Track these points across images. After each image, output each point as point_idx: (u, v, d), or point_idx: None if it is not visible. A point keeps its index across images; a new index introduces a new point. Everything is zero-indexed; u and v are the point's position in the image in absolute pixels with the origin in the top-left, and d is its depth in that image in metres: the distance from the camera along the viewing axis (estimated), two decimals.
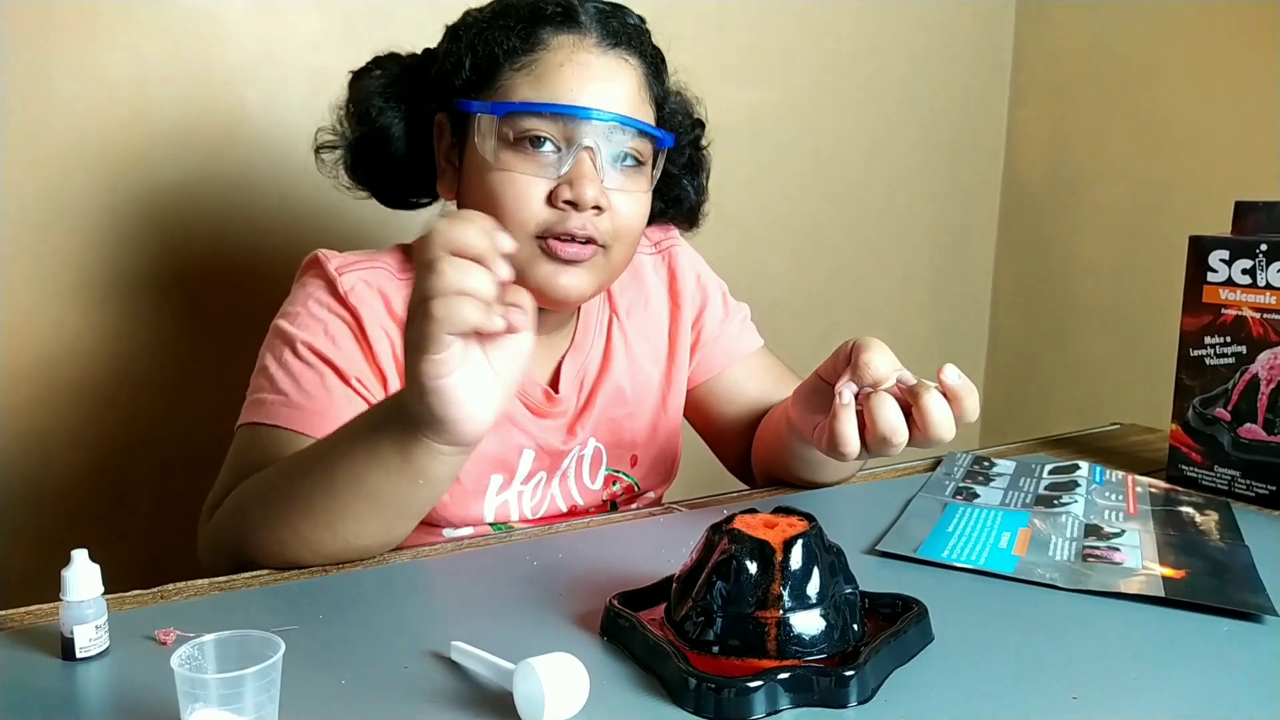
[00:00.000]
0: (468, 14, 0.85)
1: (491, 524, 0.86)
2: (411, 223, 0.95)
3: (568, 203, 0.77)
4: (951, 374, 0.71)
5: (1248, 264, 0.84)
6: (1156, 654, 0.57)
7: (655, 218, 0.95)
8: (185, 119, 1.12)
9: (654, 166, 0.84)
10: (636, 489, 0.94)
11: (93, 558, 0.56)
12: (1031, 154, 1.86)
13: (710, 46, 1.51)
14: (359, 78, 0.87)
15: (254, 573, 0.69)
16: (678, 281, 0.97)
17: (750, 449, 0.96)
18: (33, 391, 1.10)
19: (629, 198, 0.81)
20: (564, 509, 0.89)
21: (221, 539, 0.72)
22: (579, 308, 0.91)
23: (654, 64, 0.85)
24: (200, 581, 0.67)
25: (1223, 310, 0.85)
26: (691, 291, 0.98)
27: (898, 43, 1.71)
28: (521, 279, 0.80)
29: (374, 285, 0.82)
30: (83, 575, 0.55)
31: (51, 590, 0.56)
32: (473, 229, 0.58)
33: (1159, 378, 1.06)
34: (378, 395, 0.80)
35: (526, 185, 0.78)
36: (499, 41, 0.80)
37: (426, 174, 0.87)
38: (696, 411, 0.99)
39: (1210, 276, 0.86)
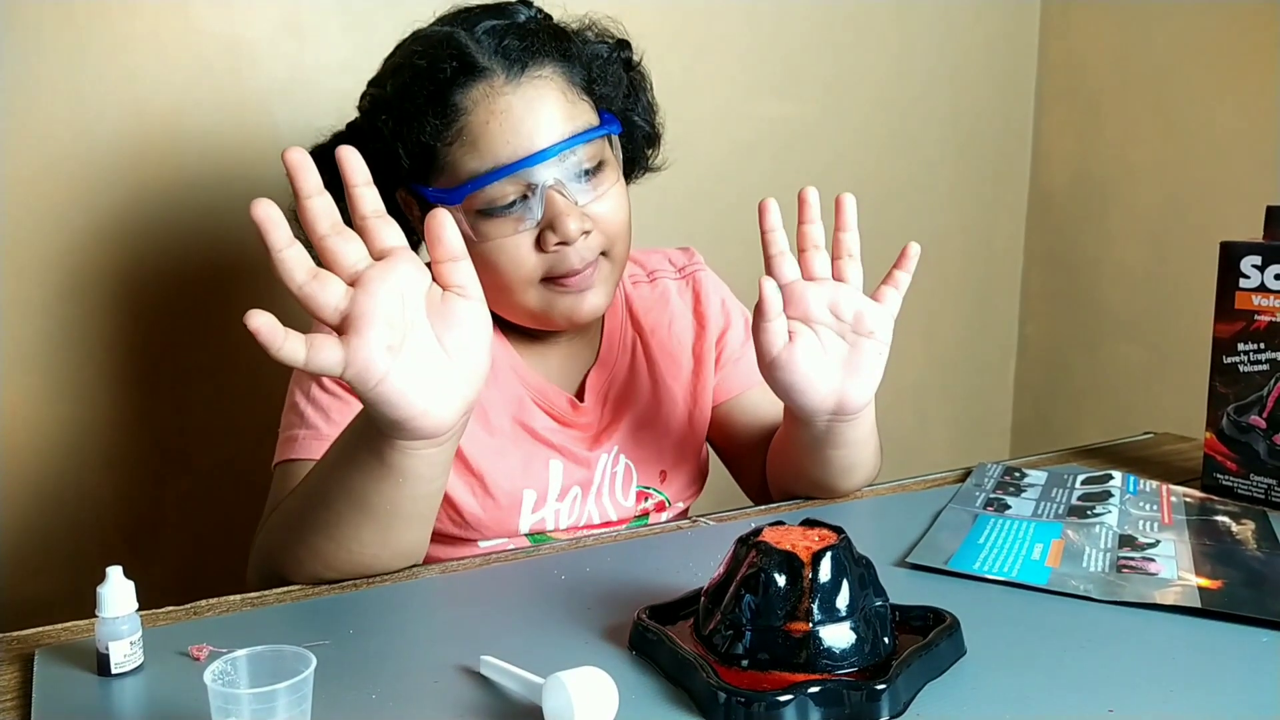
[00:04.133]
0: (372, 93, 0.83)
1: (528, 534, 0.87)
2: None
3: (559, 244, 0.79)
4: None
5: None
6: (1194, 666, 0.56)
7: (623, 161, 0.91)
8: (215, 142, 1.14)
9: (618, 153, 0.85)
10: (667, 504, 0.94)
11: (127, 575, 0.56)
12: (1058, 161, 1.84)
13: (735, 62, 1.51)
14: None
15: (285, 588, 0.69)
16: (702, 303, 0.98)
17: (765, 485, 0.96)
18: (67, 412, 1.11)
19: (605, 200, 0.82)
20: (596, 523, 0.90)
21: (259, 567, 0.75)
22: (602, 319, 0.92)
23: (565, 53, 0.82)
24: (233, 598, 0.68)
25: (1256, 316, 0.84)
26: (716, 314, 0.98)
27: (922, 53, 1.70)
28: (545, 318, 0.83)
29: None
30: (118, 592, 0.56)
31: (88, 607, 0.57)
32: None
33: (1192, 385, 1.04)
34: None
35: (514, 247, 0.79)
36: (420, 128, 0.78)
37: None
38: (716, 432, 0.99)
39: (1242, 282, 0.85)
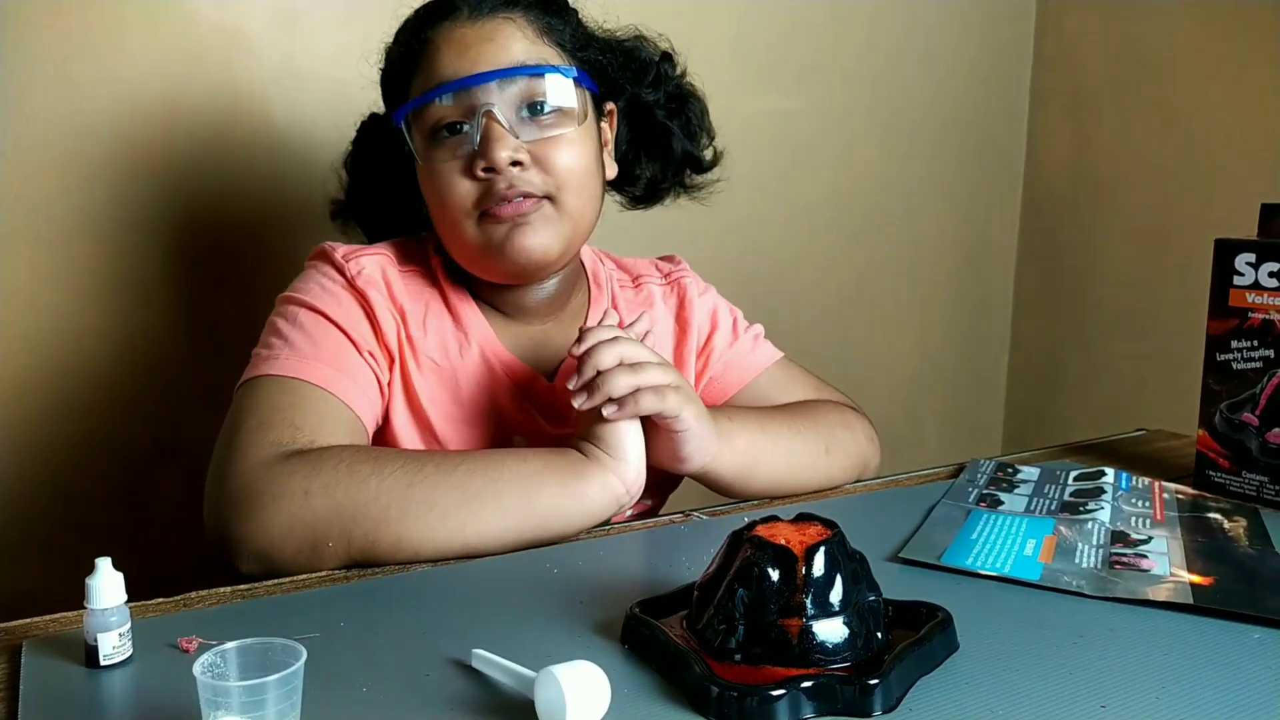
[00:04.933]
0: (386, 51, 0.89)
1: None
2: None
3: (486, 170, 0.79)
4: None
5: (1274, 267, 0.83)
6: (1186, 662, 0.56)
7: (655, 175, 0.97)
8: (208, 132, 1.14)
9: (586, 105, 0.84)
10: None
11: (116, 566, 0.56)
12: (1052, 159, 1.84)
13: (730, 57, 1.51)
14: (355, 157, 0.95)
15: (276, 580, 0.69)
16: (686, 309, 0.98)
17: None
18: (57, 401, 1.11)
19: (555, 144, 0.81)
20: None
21: (309, 508, 0.68)
22: (585, 320, 0.92)
23: (546, 9, 0.85)
24: (223, 589, 0.67)
25: (1250, 314, 0.84)
26: (700, 320, 0.98)
27: (916, 50, 1.70)
28: (482, 258, 0.83)
29: (379, 269, 0.85)
30: (106, 583, 0.55)
31: (76, 599, 0.57)
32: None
33: (1185, 383, 1.04)
34: (385, 374, 0.83)
35: (449, 171, 0.81)
36: (397, 59, 0.85)
37: (409, 202, 0.90)
38: None
39: (1236, 280, 0.85)
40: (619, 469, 0.75)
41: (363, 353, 0.81)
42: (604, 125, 0.90)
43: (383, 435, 0.85)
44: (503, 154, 0.78)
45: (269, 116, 1.16)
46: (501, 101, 0.79)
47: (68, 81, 1.06)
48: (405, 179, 0.87)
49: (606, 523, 0.89)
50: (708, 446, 0.80)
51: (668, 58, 0.95)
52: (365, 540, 0.69)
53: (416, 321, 0.85)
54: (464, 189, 0.80)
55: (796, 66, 1.58)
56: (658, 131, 0.95)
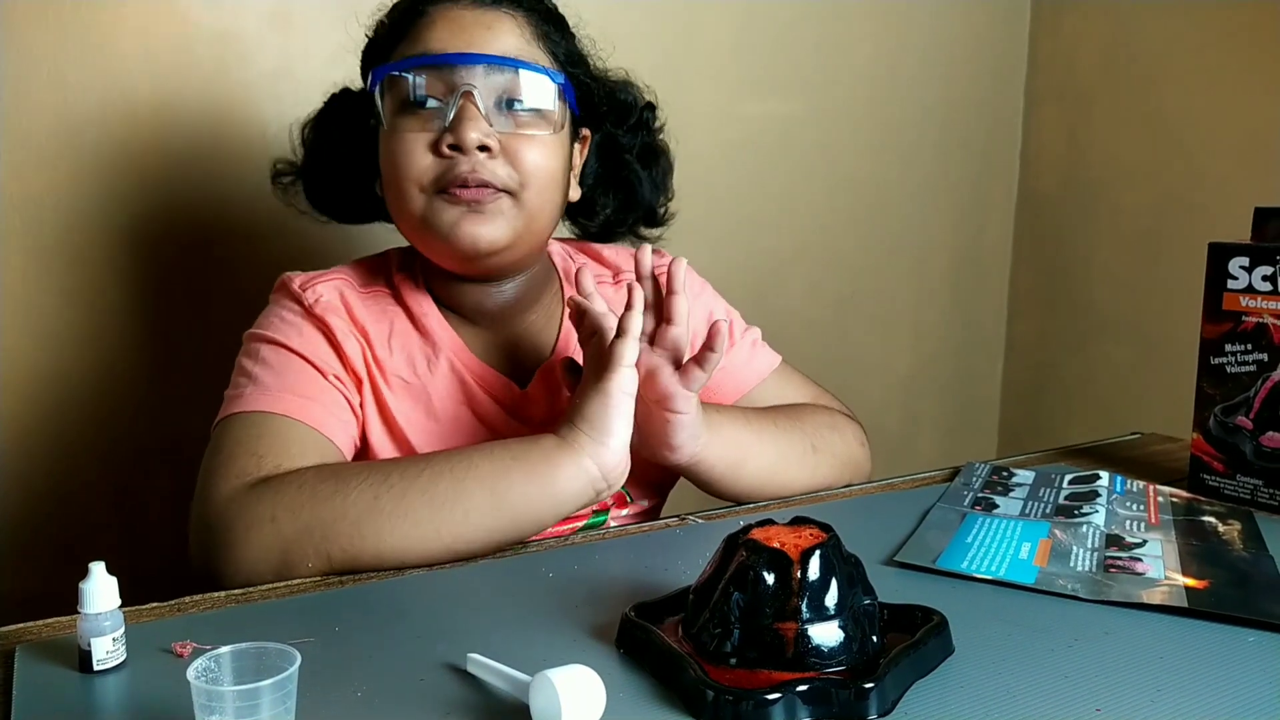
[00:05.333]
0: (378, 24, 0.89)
1: None
2: None
3: (452, 147, 0.78)
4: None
5: (1268, 271, 0.83)
6: (1181, 665, 0.56)
7: (612, 215, 0.97)
8: (203, 134, 1.13)
9: (564, 113, 0.84)
10: (629, 498, 0.92)
11: (110, 570, 0.56)
12: (1047, 162, 1.85)
13: (722, 60, 1.51)
14: (317, 115, 0.93)
15: (270, 585, 0.69)
16: None
17: None
18: (50, 405, 1.11)
19: (527, 142, 0.81)
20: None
21: (277, 532, 0.69)
22: (560, 320, 0.92)
23: (546, 18, 0.85)
24: (217, 594, 0.67)
25: (1243, 318, 0.85)
26: (693, 323, 0.95)
27: (911, 52, 1.70)
28: (429, 234, 0.82)
29: (337, 293, 0.84)
30: (100, 588, 0.55)
31: (70, 603, 0.56)
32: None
33: (1179, 386, 1.05)
34: (354, 395, 0.82)
35: (413, 141, 0.80)
36: (388, 26, 0.84)
37: (363, 184, 0.90)
38: None
39: (1230, 284, 0.85)
40: (598, 453, 0.73)
41: (328, 377, 0.80)
42: (576, 147, 0.90)
43: (362, 458, 0.84)
44: (472, 134, 0.77)
45: (262, 119, 1.16)
46: (483, 87, 0.79)
47: (62, 83, 1.06)
48: (366, 153, 0.87)
49: (599, 525, 0.89)
50: (699, 434, 0.80)
51: (651, 108, 0.96)
52: (344, 555, 0.69)
53: (381, 341, 0.85)
54: (424, 162, 0.79)
55: (793, 70, 1.58)
56: (626, 176, 0.95)
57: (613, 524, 0.90)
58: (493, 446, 0.74)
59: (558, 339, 0.92)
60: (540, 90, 0.82)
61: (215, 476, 0.74)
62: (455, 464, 0.72)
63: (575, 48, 0.88)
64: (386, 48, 0.84)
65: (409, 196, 0.80)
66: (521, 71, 0.80)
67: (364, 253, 0.94)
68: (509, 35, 0.81)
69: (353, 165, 0.89)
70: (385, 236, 0.95)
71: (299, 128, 0.94)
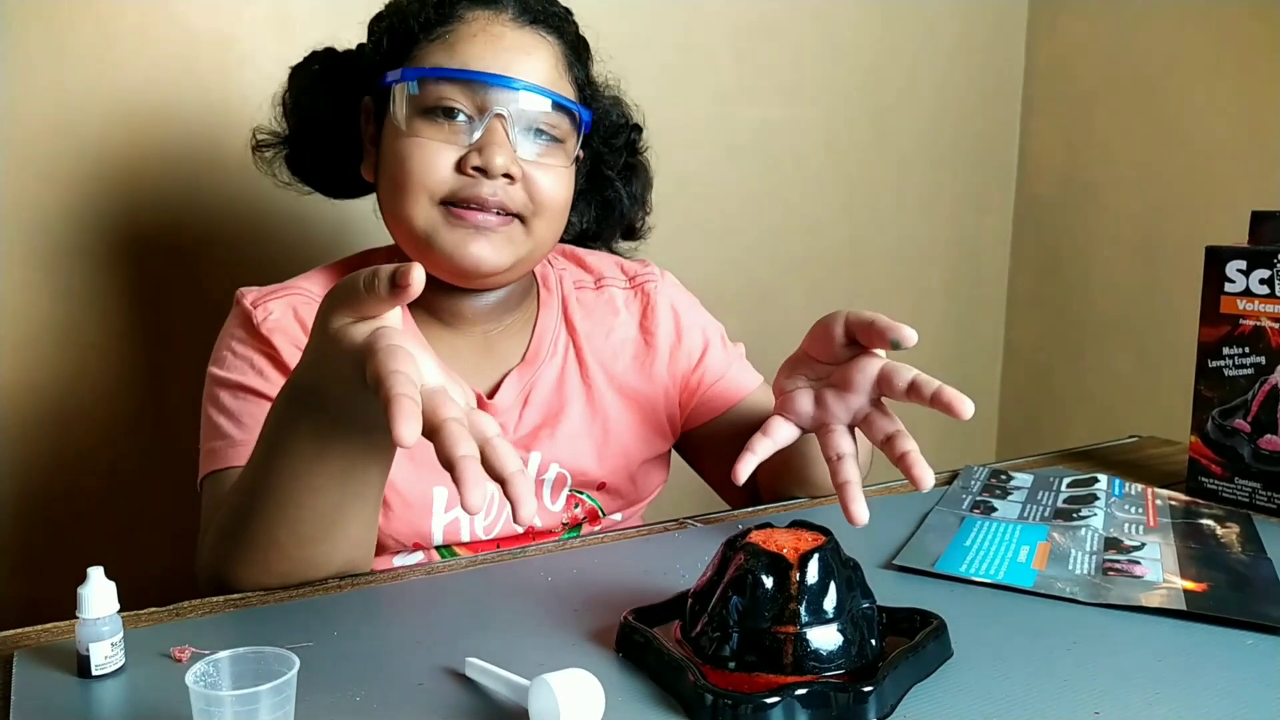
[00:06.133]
0: (391, 2, 0.86)
1: (439, 547, 0.84)
2: None
3: (477, 169, 0.78)
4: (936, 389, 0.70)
5: (1265, 274, 0.83)
6: (1179, 668, 0.56)
7: (589, 227, 0.96)
8: (203, 139, 1.13)
9: (577, 145, 0.84)
10: (601, 513, 0.91)
11: (108, 575, 0.56)
12: (1045, 166, 1.85)
13: (719, 65, 1.51)
14: (296, 73, 0.89)
15: (268, 590, 0.68)
16: (650, 317, 0.95)
17: (755, 487, 0.94)
18: (49, 410, 1.11)
19: (546, 172, 0.81)
20: (519, 530, 0.86)
21: (214, 576, 0.70)
22: (534, 326, 0.90)
23: (575, 47, 0.85)
24: (215, 599, 0.67)
25: (1241, 321, 0.85)
26: (667, 331, 0.95)
27: (908, 56, 1.71)
28: (428, 248, 0.80)
29: (290, 309, 0.83)
30: (99, 593, 0.55)
31: (68, 608, 0.56)
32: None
33: (1177, 389, 1.05)
34: None
35: (435, 150, 0.78)
36: (415, 15, 0.81)
37: (358, 161, 0.88)
38: (698, 454, 0.98)
39: (1228, 287, 0.85)
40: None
41: None
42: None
43: None
44: (499, 160, 0.77)
45: (261, 123, 1.15)
46: (515, 112, 0.78)
47: (61, 89, 1.06)
48: (352, 125, 0.86)
49: (571, 539, 0.89)
50: None
51: (638, 129, 0.96)
52: (289, 560, 0.67)
53: None
54: (443, 174, 0.78)
55: (791, 75, 1.58)
56: (607, 191, 0.95)
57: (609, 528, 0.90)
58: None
59: (528, 347, 0.89)
60: (565, 124, 0.82)
61: (199, 540, 0.75)
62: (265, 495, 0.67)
63: (592, 75, 0.88)
64: (410, 42, 0.81)
65: (416, 203, 0.79)
66: (553, 104, 0.80)
67: (379, 243, 0.92)
68: (544, 63, 0.80)
69: (341, 137, 0.87)
70: (384, 236, 0.94)
71: (280, 92, 0.91)
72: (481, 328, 0.88)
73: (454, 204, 0.79)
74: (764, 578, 0.53)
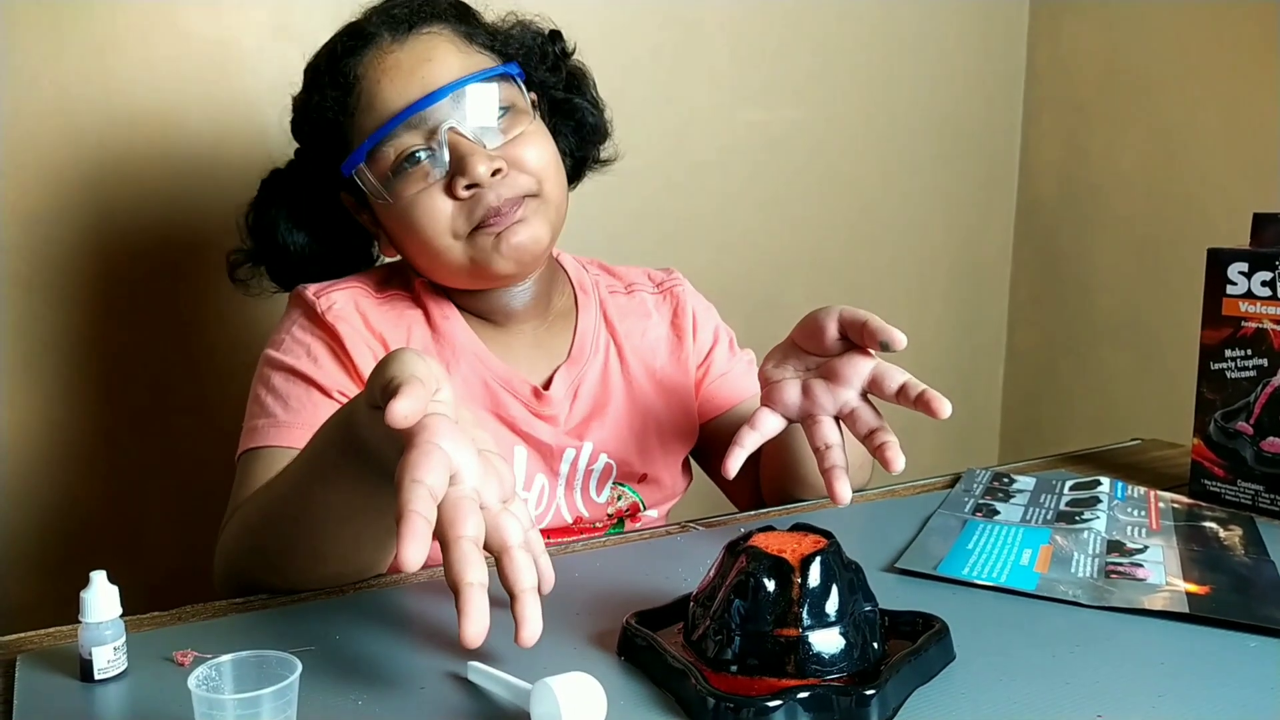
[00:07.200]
0: (294, 100, 0.88)
1: None
2: None
3: (469, 188, 0.78)
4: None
5: (1267, 276, 0.83)
6: (1182, 671, 0.56)
7: (579, 153, 0.95)
8: (205, 145, 1.14)
9: (526, 94, 0.84)
10: (642, 506, 0.93)
11: (111, 579, 0.56)
12: (1046, 169, 1.85)
13: (719, 67, 1.51)
14: (258, 209, 0.91)
15: (270, 593, 0.69)
16: (680, 316, 0.98)
17: (758, 486, 0.95)
18: (51, 416, 1.11)
19: (522, 143, 0.81)
20: (569, 520, 0.89)
21: (229, 563, 0.72)
22: (575, 326, 0.92)
23: (460, 17, 0.84)
24: (218, 603, 0.67)
25: (1243, 323, 0.85)
26: (703, 335, 0.99)
27: (909, 59, 1.71)
28: (479, 270, 0.82)
29: (351, 302, 0.84)
30: (101, 597, 0.55)
31: (71, 612, 0.56)
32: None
33: (1179, 392, 1.05)
34: None
35: (427, 199, 0.79)
36: (325, 109, 0.82)
37: (343, 248, 0.91)
38: (704, 454, 0.99)
39: (1229, 289, 0.85)
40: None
41: (331, 394, 0.80)
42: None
43: None
44: (481, 167, 0.77)
45: (264, 129, 1.16)
46: (459, 116, 0.78)
47: (63, 95, 1.06)
48: (334, 222, 0.88)
49: (617, 534, 0.89)
50: None
51: (557, 35, 0.93)
52: (302, 571, 0.68)
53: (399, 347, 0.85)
54: (447, 211, 0.79)
55: (792, 77, 1.59)
56: (566, 109, 0.93)
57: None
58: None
59: (572, 345, 0.92)
60: (505, 90, 0.82)
61: (229, 511, 0.77)
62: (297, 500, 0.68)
63: (489, 26, 0.87)
64: (338, 130, 0.82)
65: (447, 249, 0.81)
66: (483, 84, 0.80)
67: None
68: (448, 54, 0.80)
69: (325, 236, 0.90)
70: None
71: (239, 217, 0.92)
72: (530, 324, 0.90)
73: (478, 226, 0.80)
74: (766, 581, 0.53)
